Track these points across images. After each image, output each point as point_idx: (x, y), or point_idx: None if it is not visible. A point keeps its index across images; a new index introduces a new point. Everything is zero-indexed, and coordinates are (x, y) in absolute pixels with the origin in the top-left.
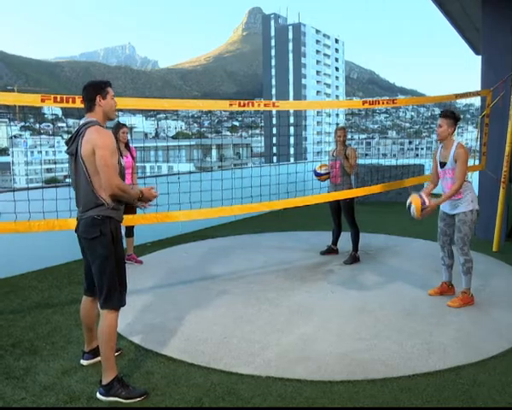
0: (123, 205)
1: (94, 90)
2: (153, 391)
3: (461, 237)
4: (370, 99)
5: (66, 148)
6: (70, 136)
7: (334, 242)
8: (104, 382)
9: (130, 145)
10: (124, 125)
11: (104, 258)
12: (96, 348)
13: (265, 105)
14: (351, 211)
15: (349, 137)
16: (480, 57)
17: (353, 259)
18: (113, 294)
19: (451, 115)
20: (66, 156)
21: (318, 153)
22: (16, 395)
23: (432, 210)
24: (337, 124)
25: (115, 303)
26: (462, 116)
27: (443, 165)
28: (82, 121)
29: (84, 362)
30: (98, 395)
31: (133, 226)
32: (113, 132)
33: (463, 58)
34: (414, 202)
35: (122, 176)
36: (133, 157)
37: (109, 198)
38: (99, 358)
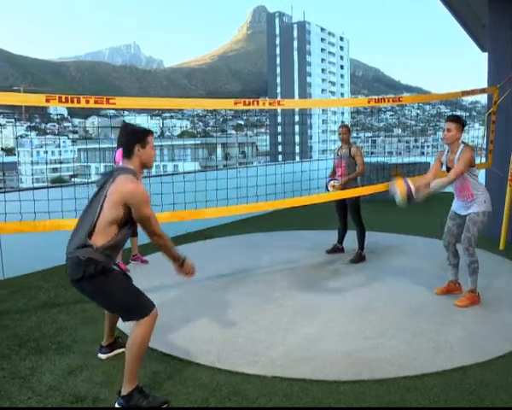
0: (116, 253)
1: (134, 139)
2: (159, 391)
3: (468, 236)
4: (376, 97)
5: (72, 148)
6: (104, 174)
7: (340, 240)
8: (124, 392)
9: None
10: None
11: (100, 292)
12: (112, 342)
13: (270, 104)
14: (357, 209)
15: (354, 135)
16: (486, 54)
17: (359, 257)
18: (132, 309)
19: (459, 120)
20: (72, 156)
21: (324, 151)
22: (22, 395)
23: (422, 197)
24: (342, 122)
25: (141, 312)
26: (468, 113)
27: (449, 169)
28: (120, 164)
29: (102, 356)
30: (117, 406)
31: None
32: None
33: (469, 56)
34: (399, 187)
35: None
36: None
37: (101, 239)
38: (116, 351)
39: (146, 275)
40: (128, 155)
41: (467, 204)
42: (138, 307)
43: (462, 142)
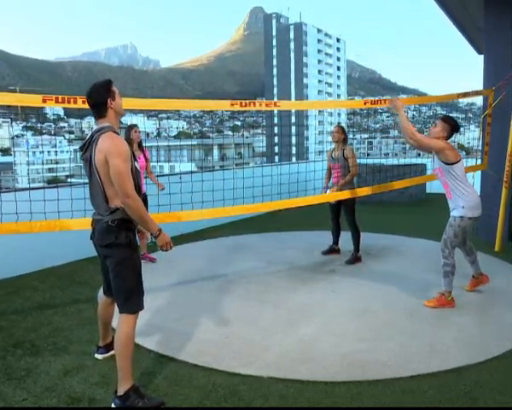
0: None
1: (103, 93)
2: (155, 392)
3: (444, 238)
4: (372, 98)
5: (68, 148)
6: (84, 142)
7: (336, 241)
8: (120, 392)
9: (144, 146)
10: (135, 125)
11: (121, 263)
12: (109, 343)
13: (267, 105)
14: (352, 212)
15: (351, 136)
16: (482, 56)
17: (355, 259)
18: (131, 298)
19: (449, 121)
20: (68, 156)
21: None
22: (17, 396)
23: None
24: (339, 123)
25: (134, 307)
26: (464, 115)
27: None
28: (95, 127)
29: (98, 356)
30: (113, 406)
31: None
32: (126, 133)
33: (465, 57)
34: None
35: (138, 186)
36: (146, 158)
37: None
38: (112, 352)
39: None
40: (102, 113)
41: (450, 204)
42: (137, 299)
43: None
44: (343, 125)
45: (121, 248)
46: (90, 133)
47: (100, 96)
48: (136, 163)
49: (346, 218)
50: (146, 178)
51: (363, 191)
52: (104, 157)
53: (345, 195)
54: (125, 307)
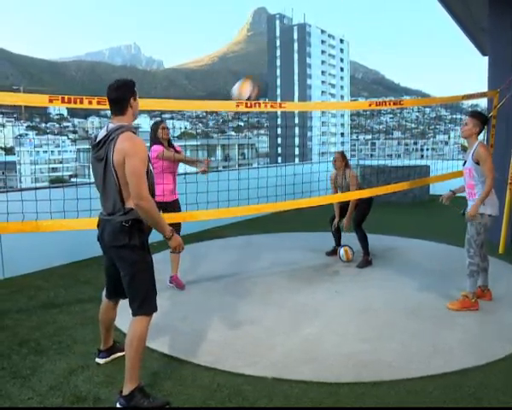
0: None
1: (128, 90)
2: (159, 392)
3: (467, 238)
4: (377, 100)
5: (72, 148)
6: (97, 139)
7: (338, 242)
8: (125, 392)
9: (174, 144)
10: (162, 120)
11: (135, 265)
12: (111, 346)
13: (272, 106)
14: (364, 215)
15: (354, 137)
16: (486, 58)
17: (366, 262)
18: (147, 300)
19: (478, 116)
20: (71, 156)
21: (323, 153)
22: (23, 395)
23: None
24: (342, 124)
25: (149, 309)
26: (467, 117)
27: (464, 163)
28: (111, 125)
29: (99, 361)
30: (118, 406)
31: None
32: (153, 130)
33: (468, 58)
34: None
35: (152, 189)
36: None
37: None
38: (114, 356)
39: None
40: (122, 110)
41: (470, 202)
42: (152, 301)
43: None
44: (342, 149)
45: (135, 250)
46: (100, 132)
47: (123, 93)
48: (151, 165)
49: (354, 218)
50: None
51: (367, 193)
52: (123, 158)
53: (352, 196)
54: (140, 310)
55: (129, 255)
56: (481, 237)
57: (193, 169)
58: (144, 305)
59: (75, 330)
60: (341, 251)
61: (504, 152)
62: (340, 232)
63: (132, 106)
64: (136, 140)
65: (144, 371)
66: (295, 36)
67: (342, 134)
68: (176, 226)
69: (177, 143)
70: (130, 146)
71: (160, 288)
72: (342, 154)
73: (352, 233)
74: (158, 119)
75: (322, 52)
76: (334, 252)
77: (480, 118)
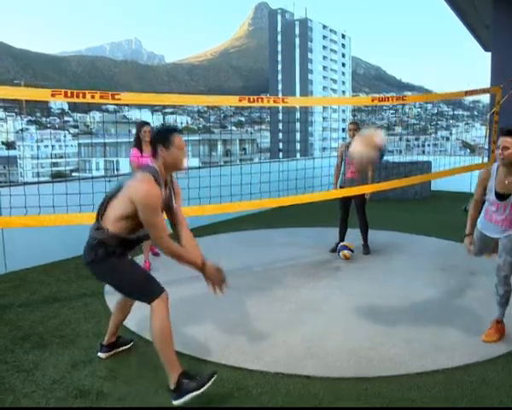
0: (129, 249)
1: (157, 139)
2: (162, 387)
3: (510, 261)
4: (379, 96)
5: (73, 142)
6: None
7: (342, 239)
8: (172, 385)
9: None
10: (145, 123)
11: (109, 274)
12: (113, 342)
13: (275, 101)
14: (364, 205)
15: None
16: (488, 54)
17: (368, 248)
18: (143, 292)
19: None
20: (72, 151)
21: (324, 149)
22: (26, 389)
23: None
24: (343, 120)
25: (149, 295)
26: (469, 113)
27: (502, 196)
28: (146, 163)
29: (102, 355)
30: (173, 403)
31: None
32: (137, 129)
33: (471, 53)
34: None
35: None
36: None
37: (112, 228)
38: (116, 350)
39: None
40: (154, 154)
41: (498, 229)
42: (147, 289)
43: None
44: (356, 120)
45: (103, 261)
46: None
47: (155, 137)
48: (173, 202)
49: (359, 211)
50: None
51: (369, 188)
52: (128, 195)
53: (352, 192)
54: (144, 300)
55: (99, 269)
56: None
57: (192, 164)
58: (143, 296)
59: (78, 325)
60: (340, 254)
61: None
62: (346, 228)
63: (163, 155)
64: (146, 185)
65: (148, 365)
66: (297, 31)
67: (343, 130)
68: None
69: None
70: (139, 191)
71: (163, 284)
72: (358, 123)
73: (356, 229)
74: (146, 121)
75: (324, 47)
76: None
77: None
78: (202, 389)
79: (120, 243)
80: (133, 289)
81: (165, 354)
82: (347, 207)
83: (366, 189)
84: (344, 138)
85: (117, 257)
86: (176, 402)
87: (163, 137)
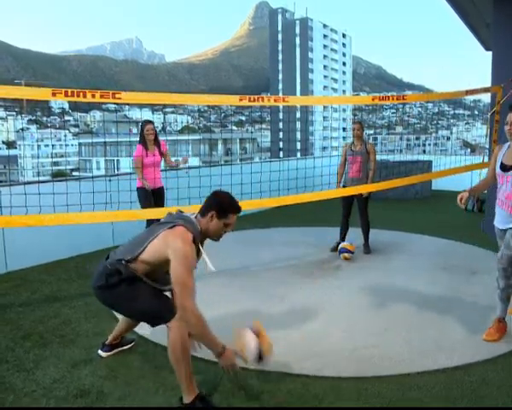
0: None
1: (216, 205)
2: (162, 387)
3: (509, 254)
4: (380, 95)
5: (73, 142)
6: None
7: (343, 238)
8: (186, 400)
9: (160, 139)
10: (149, 121)
11: (119, 303)
12: (116, 343)
13: (275, 100)
14: (367, 204)
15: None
16: (489, 53)
17: (369, 248)
18: (156, 315)
19: None
20: (73, 150)
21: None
22: (27, 388)
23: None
24: (344, 119)
25: (164, 319)
26: (470, 112)
27: (507, 168)
28: (190, 215)
29: (102, 354)
30: None
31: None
32: (141, 127)
33: (471, 53)
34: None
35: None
36: (161, 154)
37: (134, 265)
38: (116, 350)
39: None
40: (203, 212)
41: (508, 217)
42: (162, 312)
43: None
44: (359, 120)
45: (113, 288)
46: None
47: (212, 203)
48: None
49: (361, 210)
50: (165, 170)
51: (369, 188)
52: (165, 248)
53: (353, 191)
54: (157, 323)
55: (108, 296)
56: None
57: (193, 163)
58: (157, 320)
59: (78, 324)
60: (340, 256)
61: None
62: (347, 227)
63: (210, 221)
64: (186, 243)
65: (148, 365)
66: (297, 30)
67: (344, 129)
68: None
69: (179, 137)
70: (177, 246)
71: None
72: (361, 124)
73: (356, 229)
74: (149, 119)
75: (325, 46)
76: (337, 247)
77: None
78: None
79: (136, 277)
80: (147, 317)
81: (179, 373)
82: (349, 206)
83: (367, 188)
84: (344, 138)
85: (127, 284)
86: None
87: (225, 207)
